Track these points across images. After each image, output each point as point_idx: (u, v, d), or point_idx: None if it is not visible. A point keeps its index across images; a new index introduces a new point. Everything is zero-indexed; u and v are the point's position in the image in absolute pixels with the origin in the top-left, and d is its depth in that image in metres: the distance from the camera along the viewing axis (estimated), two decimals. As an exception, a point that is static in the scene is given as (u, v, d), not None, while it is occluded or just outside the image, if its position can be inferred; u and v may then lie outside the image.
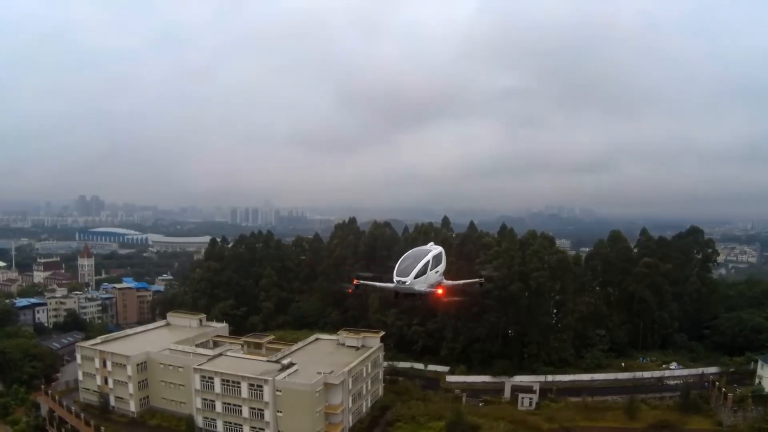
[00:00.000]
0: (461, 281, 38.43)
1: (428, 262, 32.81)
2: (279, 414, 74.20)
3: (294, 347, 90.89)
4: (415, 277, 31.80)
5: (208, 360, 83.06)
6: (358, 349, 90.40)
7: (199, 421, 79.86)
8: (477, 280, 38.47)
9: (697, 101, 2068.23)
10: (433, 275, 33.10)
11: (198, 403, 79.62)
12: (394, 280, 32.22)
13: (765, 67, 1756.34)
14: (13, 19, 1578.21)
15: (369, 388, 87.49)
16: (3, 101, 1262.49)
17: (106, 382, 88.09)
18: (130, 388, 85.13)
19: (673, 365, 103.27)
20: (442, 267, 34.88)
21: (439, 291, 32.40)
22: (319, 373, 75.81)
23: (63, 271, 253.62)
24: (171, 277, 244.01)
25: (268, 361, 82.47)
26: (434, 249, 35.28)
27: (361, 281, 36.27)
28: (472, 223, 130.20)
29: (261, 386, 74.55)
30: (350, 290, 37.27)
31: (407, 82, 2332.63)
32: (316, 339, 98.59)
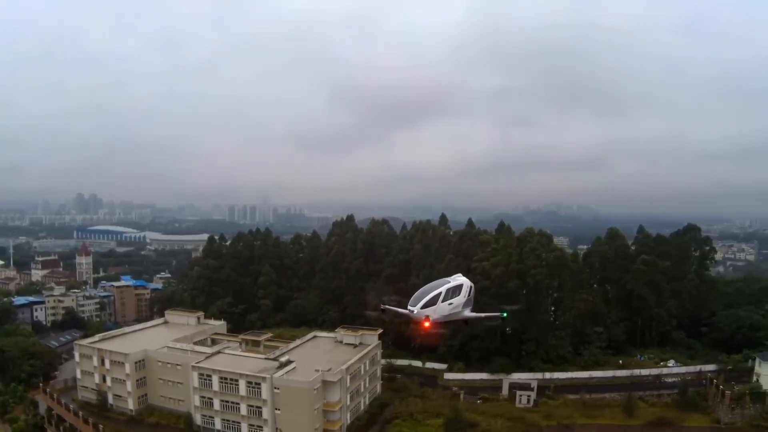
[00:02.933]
0: (483, 314, 38.97)
1: (440, 293, 33.53)
2: (277, 411, 74.30)
3: (292, 345, 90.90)
4: (423, 308, 32.74)
5: (206, 358, 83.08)
6: (356, 346, 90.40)
7: (198, 418, 79.98)
8: (498, 314, 38.88)
9: (694, 100, 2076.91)
10: (444, 306, 33.69)
11: (196, 400, 79.69)
12: (408, 308, 33.55)
13: (759, 65, 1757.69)
14: (13, 21, 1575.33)
15: (367, 385, 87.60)
16: (2, 101, 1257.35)
17: (104, 380, 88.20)
18: (129, 385, 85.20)
19: (671, 363, 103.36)
20: (459, 299, 35.25)
21: (426, 324, 32.92)
22: (317, 370, 75.72)
23: (61, 269, 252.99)
24: (169, 275, 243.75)
25: (266, 358, 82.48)
26: (454, 281, 35.82)
27: (387, 306, 36.99)
28: (470, 221, 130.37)
29: (259, 384, 74.60)
30: (380, 311, 38.01)
31: (403, 81, 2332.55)
32: (314, 336, 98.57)
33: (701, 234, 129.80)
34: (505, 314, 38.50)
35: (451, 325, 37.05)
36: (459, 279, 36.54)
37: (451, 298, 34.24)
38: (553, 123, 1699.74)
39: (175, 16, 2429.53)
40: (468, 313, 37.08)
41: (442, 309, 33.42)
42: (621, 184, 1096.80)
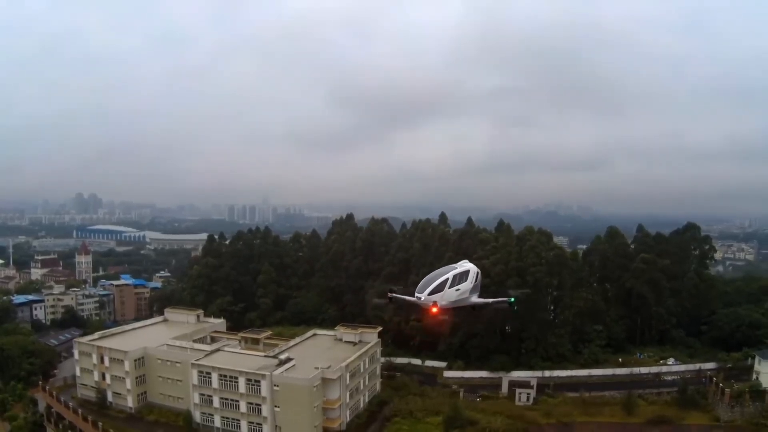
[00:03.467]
0: (491, 300, 38.76)
1: (447, 279, 33.26)
2: (277, 409, 74.23)
3: (291, 343, 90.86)
4: (430, 294, 32.53)
5: (206, 355, 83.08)
6: (355, 344, 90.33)
7: (197, 416, 79.88)
8: (505, 299, 38.76)
9: (694, 100, 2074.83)
10: (452, 293, 33.44)
11: (195, 398, 79.62)
12: (415, 296, 33.38)
13: (759, 65, 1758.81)
14: (14, 21, 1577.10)
15: (366, 383, 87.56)
16: (2, 100, 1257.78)
17: (103, 377, 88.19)
18: (128, 383, 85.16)
19: (671, 361, 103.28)
20: (466, 285, 34.96)
21: (434, 309, 32.76)
22: (317, 368, 75.73)
23: (61, 268, 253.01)
24: (168, 274, 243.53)
25: (265, 356, 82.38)
26: (461, 267, 35.54)
27: (394, 294, 36.76)
28: (469, 219, 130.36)
29: (259, 381, 74.55)
30: (387, 300, 37.80)
31: (403, 81, 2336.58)
32: (314, 334, 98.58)
33: (701, 233, 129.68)
34: (512, 299, 38.26)
35: (459, 311, 36.79)
36: (466, 265, 36.24)
37: (458, 284, 34.02)
38: (553, 123, 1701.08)
39: (175, 16, 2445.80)
40: (475, 298, 36.82)
41: (449, 295, 33.22)
42: (621, 184, 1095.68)
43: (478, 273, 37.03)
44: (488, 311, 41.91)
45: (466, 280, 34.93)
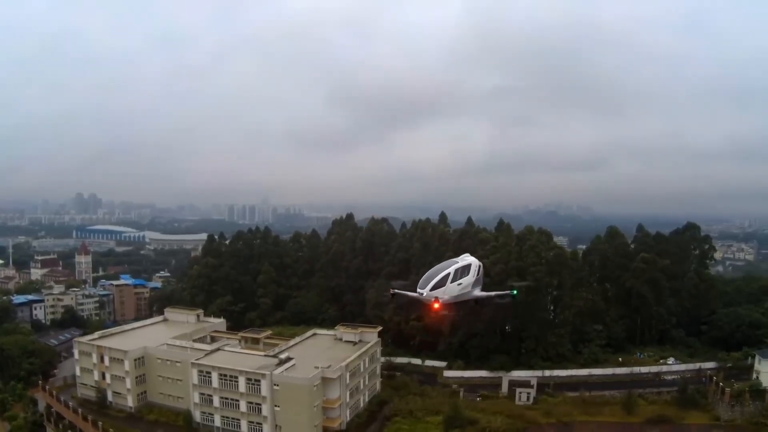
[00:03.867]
0: (493, 293, 38.63)
1: (448, 274, 33.25)
2: (277, 408, 74.26)
3: (291, 342, 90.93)
4: (432, 289, 32.55)
5: (206, 355, 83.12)
6: (355, 344, 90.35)
7: (197, 415, 79.93)
8: (508, 292, 38.65)
9: (693, 100, 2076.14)
10: (454, 287, 33.43)
11: (195, 397, 79.68)
12: (417, 291, 33.34)
13: (759, 65, 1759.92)
14: (14, 21, 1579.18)
15: (366, 382, 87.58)
16: (3, 101, 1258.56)
17: (103, 377, 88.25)
18: (128, 383, 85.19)
19: (671, 360, 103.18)
20: (468, 279, 34.93)
21: (436, 305, 32.70)
22: (317, 367, 75.78)
23: (60, 268, 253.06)
24: (168, 274, 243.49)
25: (265, 355, 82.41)
26: (463, 261, 35.43)
27: (397, 290, 36.60)
28: (469, 219, 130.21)
29: (258, 380, 74.59)
30: (390, 296, 37.67)
31: (403, 81, 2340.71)
32: (314, 334, 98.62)
33: (701, 233, 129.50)
34: (515, 291, 38.05)
35: (461, 306, 36.66)
36: (467, 258, 36.07)
37: (460, 278, 33.91)
38: (553, 123, 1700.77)
39: (175, 16, 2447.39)
40: (478, 292, 36.72)
41: (451, 290, 33.13)
42: (621, 184, 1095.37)
43: (480, 266, 36.86)
44: (489, 308, 41.75)
45: (468, 274, 34.81)
